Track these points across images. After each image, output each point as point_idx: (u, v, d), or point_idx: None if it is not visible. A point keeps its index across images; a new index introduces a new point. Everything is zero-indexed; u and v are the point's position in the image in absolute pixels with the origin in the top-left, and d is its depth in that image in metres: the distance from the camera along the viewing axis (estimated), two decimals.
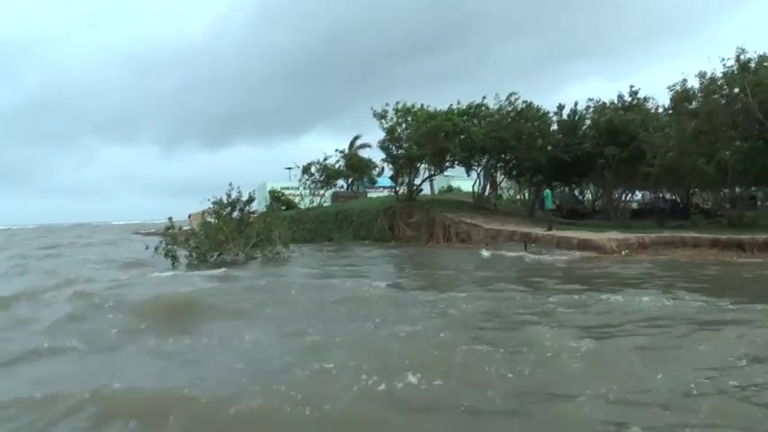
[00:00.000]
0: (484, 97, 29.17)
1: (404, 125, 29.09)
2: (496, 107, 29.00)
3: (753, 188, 32.97)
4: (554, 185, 31.00)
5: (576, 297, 10.80)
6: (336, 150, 54.84)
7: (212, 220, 40.36)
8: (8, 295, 12.86)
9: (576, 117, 29.22)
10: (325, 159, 41.82)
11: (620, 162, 27.03)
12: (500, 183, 37.22)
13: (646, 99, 28.15)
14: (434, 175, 32.10)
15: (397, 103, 29.34)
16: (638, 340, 7.34)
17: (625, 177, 28.64)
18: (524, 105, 28.47)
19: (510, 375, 6.05)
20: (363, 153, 54.18)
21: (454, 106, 29.09)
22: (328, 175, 40.69)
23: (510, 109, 28.81)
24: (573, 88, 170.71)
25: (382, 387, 5.69)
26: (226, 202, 31.08)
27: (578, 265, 17.59)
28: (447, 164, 30.18)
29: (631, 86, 29.61)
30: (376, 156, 46.01)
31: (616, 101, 30.00)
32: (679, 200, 33.96)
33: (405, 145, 28.57)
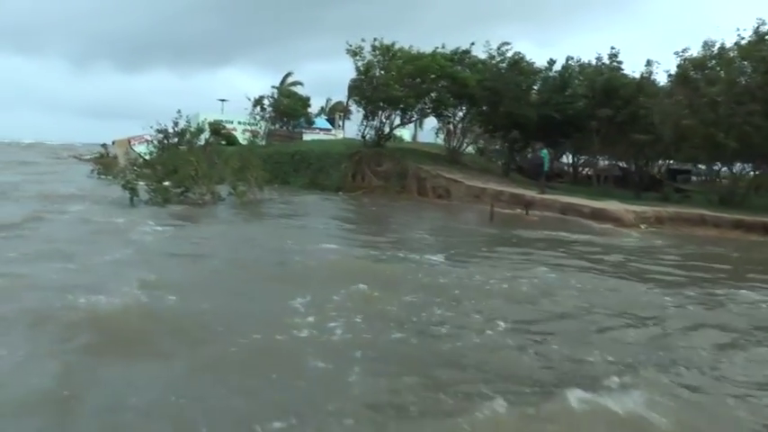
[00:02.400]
0: (472, 43, 26.65)
1: (380, 64, 26.06)
2: (486, 56, 26.55)
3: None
4: (533, 145, 29.00)
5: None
6: (273, 87, 51.09)
7: (147, 151, 36.41)
8: None
9: (567, 74, 27.19)
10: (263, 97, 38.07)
11: (612, 126, 25.51)
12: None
13: (650, 63, 26.24)
14: (409, 122, 29.28)
15: (375, 39, 26.24)
16: None
17: (611, 142, 27.17)
18: (517, 57, 26.18)
19: None
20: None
21: (439, 49, 26.29)
22: (281, 111, 36.91)
23: (499, 59, 26.46)
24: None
25: None
26: (172, 131, 27.58)
27: (632, 244, 15.42)
28: (428, 110, 27.48)
29: (612, 48, 27.96)
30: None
31: (594, 63, 28.39)
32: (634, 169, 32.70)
33: (381, 86, 25.52)
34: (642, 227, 18.49)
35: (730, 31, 22.28)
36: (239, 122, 46.10)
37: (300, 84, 56.96)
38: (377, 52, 26.04)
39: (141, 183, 18.76)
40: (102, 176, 28.92)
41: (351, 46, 26.12)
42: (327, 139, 43.92)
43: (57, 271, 8.21)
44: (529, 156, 30.25)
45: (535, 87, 27.62)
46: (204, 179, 19.15)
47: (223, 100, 50.70)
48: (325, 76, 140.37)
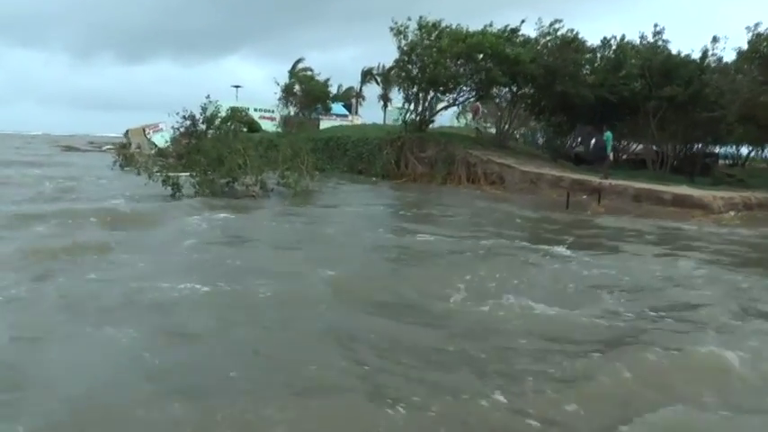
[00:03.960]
0: (523, 21, 25.10)
1: (428, 43, 24.48)
2: (537, 33, 25.10)
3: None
4: (580, 129, 27.53)
5: None
6: (289, 72, 49.34)
7: (163, 139, 34.86)
8: None
9: (621, 53, 25.66)
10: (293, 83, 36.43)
11: (674, 106, 24.13)
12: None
13: (716, 40, 24.61)
14: (453, 104, 27.71)
15: (421, 17, 24.64)
16: None
17: (669, 123, 25.74)
18: (572, 35, 24.69)
19: None
20: None
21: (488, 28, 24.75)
22: (315, 96, 35.27)
23: (551, 38, 24.97)
24: None
25: None
26: (200, 117, 26.11)
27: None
28: (478, 90, 25.95)
29: (655, 25, 26.38)
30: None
31: (638, 41, 26.86)
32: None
33: (430, 65, 23.94)
34: (731, 213, 17.13)
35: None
36: (255, 109, 44.46)
37: (311, 70, 55.22)
38: (422, 31, 24.45)
39: (174, 174, 17.18)
40: (126, 168, 27.45)
41: (396, 24, 24.52)
42: (347, 125, 42.46)
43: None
44: (578, 141, 28.66)
45: (587, 67, 26.05)
46: (254, 169, 17.61)
47: (237, 86, 48.95)
48: (329, 65, 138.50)
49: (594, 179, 21.19)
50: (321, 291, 6.80)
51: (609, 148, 22.02)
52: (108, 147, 42.85)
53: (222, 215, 12.64)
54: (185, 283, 6.70)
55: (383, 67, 58.00)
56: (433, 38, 24.41)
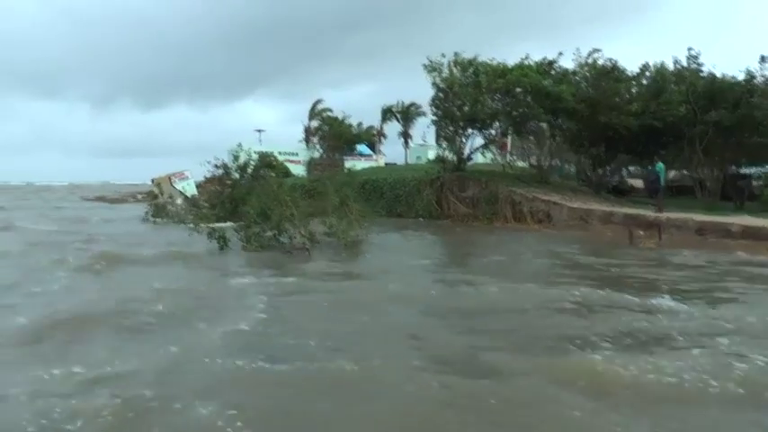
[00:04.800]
0: (560, 53, 24.54)
1: (465, 80, 23.97)
2: (574, 64, 24.55)
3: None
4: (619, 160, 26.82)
5: None
6: (312, 110, 49.24)
7: (188, 187, 34.56)
8: None
9: (661, 79, 25.03)
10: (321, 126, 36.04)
11: (720, 131, 23.36)
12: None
13: (764, 59, 23.74)
14: (491, 141, 27.02)
15: (456, 54, 24.18)
16: None
17: (715, 149, 24.92)
18: (611, 64, 24.11)
19: None
20: None
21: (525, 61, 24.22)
22: (346, 138, 34.85)
23: (588, 68, 24.42)
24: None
25: None
26: (234, 165, 25.78)
27: None
28: (517, 127, 25.27)
29: (689, 49, 25.73)
30: None
31: (672, 66, 26.20)
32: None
33: (466, 104, 23.39)
34: None
35: None
36: (279, 153, 44.23)
37: (330, 110, 55.20)
38: (458, 68, 23.96)
39: (217, 225, 16.92)
40: (157, 220, 27.13)
41: (430, 61, 24.05)
42: (377, 165, 42.03)
43: None
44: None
45: (626, 96, 25.40)
46: (302, 221, 16.88)
47: (260, 131, 48.80)
48: (343, 103, 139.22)
49: (648, 213, 20.40)
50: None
51: (662, 180, 21.22)
52: (140, 195, 42.85)
53: (289, 279, 11.76)
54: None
55: (402, 104, 58.04)
56: (469, 73, 23.92)
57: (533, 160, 29.69)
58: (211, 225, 17.31)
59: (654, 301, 9.25)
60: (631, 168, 33.79)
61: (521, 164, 31.64)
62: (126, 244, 17.35)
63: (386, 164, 46.96)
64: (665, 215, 19.63)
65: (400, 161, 51.51)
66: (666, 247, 16.88)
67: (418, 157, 53.88)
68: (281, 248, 16.03)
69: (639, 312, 8.70)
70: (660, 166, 21.15)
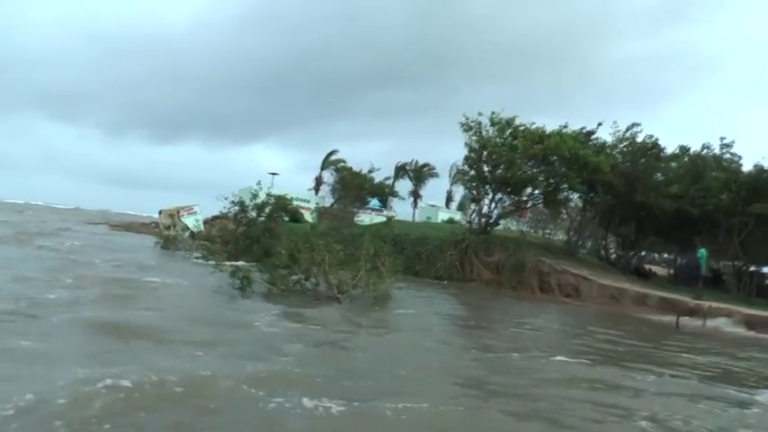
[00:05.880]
0: (599, 124, 23.93)
1: (501, 142, 23.23)
2: (614, 138, 23.90)
3: None
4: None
5: None
6: (326, 160, 48.78)
7: (195, 222, 33.72)
8: None
9: (701, 164, 24.37)
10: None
11: (761, 224, 22.55)
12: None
13: None
14: (520, 207, 26.13)
15: (493, 113, 23.51)
16: None
17: (753, 242, 24.06)
18: (651, 142, 23.48)
19: None
20: None
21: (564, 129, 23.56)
22: (367, 190, 34.09)
23: (628, 143, 23.80)
24: None
25: None
26: (251, 203, 25.01)
27: None
28: (548, 196, 24.38)
29: (722, 138, 25.20)
30: None
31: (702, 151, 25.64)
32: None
33: (505, 165, 22.54)
34: None
35: None
36: (291, 198, 43.37)
37: (344, 162, 54.68)
38: (495, 127, 23.26)
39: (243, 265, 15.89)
40: (166, 249, 26.26)
41: (466, 119, 23.35)
42: (399, 220, 41.18)
43: None
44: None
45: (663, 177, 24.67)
46: (333, 268, 15.75)
47: (274, 173, 47.95)
48: (356, 158, 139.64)
49: (687, 299, 19.42)
50: None
51: (703, 267, 20.28)
52: (152, 225, 41.96)
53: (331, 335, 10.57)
54: None
55: (416, 163, 57.76)
56: (505, 135, 23.22)
57: (548, 231, 28.93)
58: (228, 263, 16.28)
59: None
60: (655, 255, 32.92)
61: (532, 233, 30.94)
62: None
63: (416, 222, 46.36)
64: (706, 304, 18.62)
65: (408, 219, 50.85)
66: (718, 335, 15.81)
67: (428, 218, 53.20)
68: (307, 294, 14.92)
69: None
70: (702, 252, 20.22)
